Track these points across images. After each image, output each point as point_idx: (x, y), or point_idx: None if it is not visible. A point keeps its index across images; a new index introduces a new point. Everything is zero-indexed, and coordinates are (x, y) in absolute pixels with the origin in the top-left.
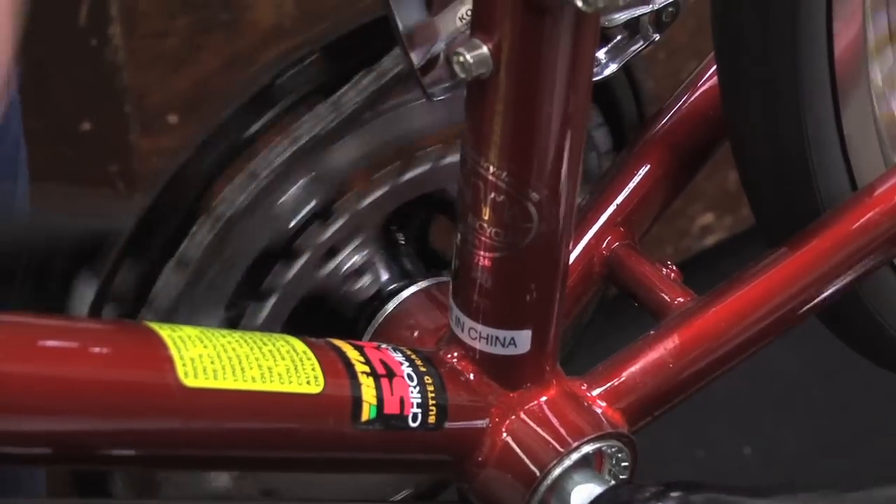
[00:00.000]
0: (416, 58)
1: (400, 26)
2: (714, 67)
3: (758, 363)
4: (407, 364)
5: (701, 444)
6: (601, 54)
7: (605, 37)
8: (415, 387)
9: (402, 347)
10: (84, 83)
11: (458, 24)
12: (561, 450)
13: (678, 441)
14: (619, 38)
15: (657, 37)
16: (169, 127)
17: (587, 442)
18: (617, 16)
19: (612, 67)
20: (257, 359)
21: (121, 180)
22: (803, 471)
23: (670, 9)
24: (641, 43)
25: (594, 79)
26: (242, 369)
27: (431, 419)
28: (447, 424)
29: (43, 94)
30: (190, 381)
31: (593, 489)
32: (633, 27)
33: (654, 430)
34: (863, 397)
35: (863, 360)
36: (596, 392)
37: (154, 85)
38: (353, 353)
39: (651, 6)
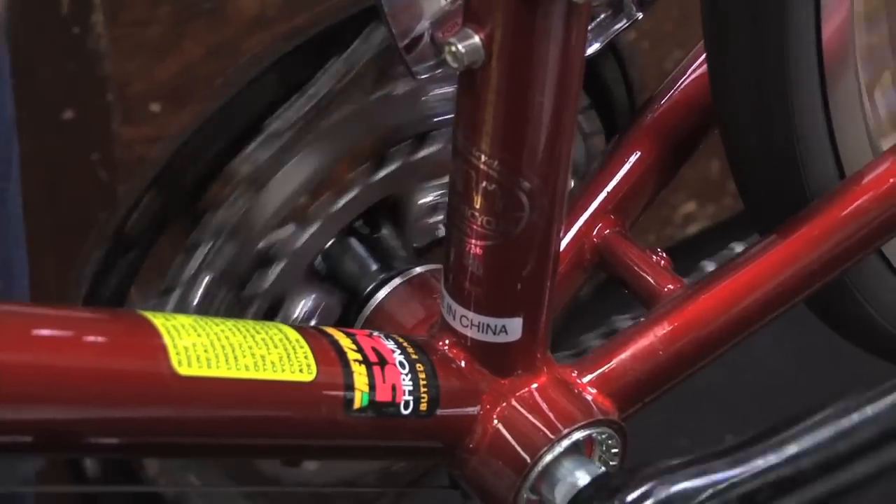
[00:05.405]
0: (401, 36)
1: (384, 5)
2: (704, 56)
3: (742, 352)
4: (399, 352)
5: (684, 432)
6: None
7: None
8: (406, 374)
9: (393, 335)
10: (66, 71)
11: (443, 2)
12: (552, 436)
13: (661, 429)
14: (602, 16)
15: (640, 15)
16: (151, 116)
17: (578, 429)
18: None
19: (596, 46)
20: (250, 347)
21: (102, 169)
22: None
23: None
24: (625, 21)
25: None
26: (236, 358)
27: (423, 406)
28: (439, 411)
29: (25, 83)
30: (183, 370)
31: (583, 476)
32: (616, 5)
33: (637, 418)
34: (848, 387)
35: (848, 350)
36: (586, 379)
37: (137, 73)
38: (345, 341)
39: None
